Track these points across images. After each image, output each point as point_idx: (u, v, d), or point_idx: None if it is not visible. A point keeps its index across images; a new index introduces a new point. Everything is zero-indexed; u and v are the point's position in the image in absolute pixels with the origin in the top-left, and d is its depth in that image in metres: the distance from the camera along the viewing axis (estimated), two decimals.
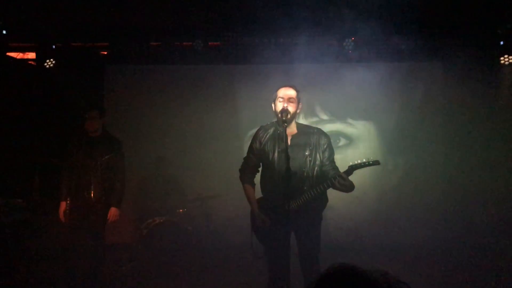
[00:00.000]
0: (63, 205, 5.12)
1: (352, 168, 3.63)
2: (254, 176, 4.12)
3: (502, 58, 6.85)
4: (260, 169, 4.12)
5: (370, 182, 7.10)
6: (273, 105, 3.97)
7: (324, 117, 7.56)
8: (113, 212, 5.15)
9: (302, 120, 7.12)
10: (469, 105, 7.05)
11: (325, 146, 3.90)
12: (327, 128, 7.33)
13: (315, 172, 3.83)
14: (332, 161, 3.90)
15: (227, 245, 6.56)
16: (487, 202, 6.97)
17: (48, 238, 5.82)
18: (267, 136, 3.96)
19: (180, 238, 6.35)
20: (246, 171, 4.11)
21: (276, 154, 3.87)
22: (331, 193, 3.86)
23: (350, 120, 7.57)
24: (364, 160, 3.66)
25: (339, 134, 7.53)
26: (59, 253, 5.33)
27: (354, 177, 3.65)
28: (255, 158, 4.06)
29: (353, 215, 7.07)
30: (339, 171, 3.76)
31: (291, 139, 3.84)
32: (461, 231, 6.77)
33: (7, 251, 5.30)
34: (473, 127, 7.06)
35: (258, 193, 4.06)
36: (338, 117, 7.57)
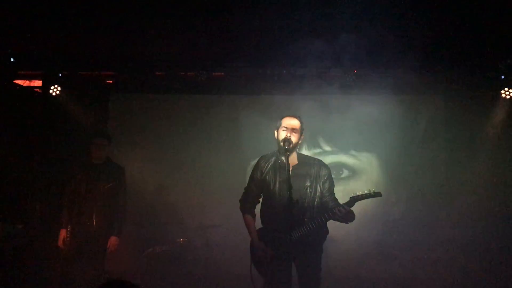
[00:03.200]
0: (63, 233, 5.08)
1: (353, 200, 3.63)
2: (255, 207, 4.10)
3: (503, 92, 6.88)
4: (260, 199, 4.11)
5: (373, 214, 7.03)
6: (275, 132, 3.99)
7: (327, 148, 7.57)
8: (113, 240, 5.12)
9: (305, 151, 7.18)
10: (471, 138, 7.08)
11: (325, 178, 3.90)
12: (329, 159, 7.34)
13: (315, 203, 3.83)
14: (332, 193, 3.90)
15: (228, 276, 6.47)
16: (492, 236, 6.88)
17: (48, 265, 5.77)
18: (269, 165, 3.97)
19: (181, 267, 6.30)
20: (247, 201, 4.08)
21: (277, 184, 3.87)
22: (333, 225, 3.84)
23: (353, 152, 7.57)
24: (365, 191, 3.66)
25: (342, 166, 7.51)
26: (59, 281, 5.27)
27: (356, 209, 3.64)
28: (256, 188, 4.05)
29: (355, 248, 6.98)
30: (339, 203, 3.76)
31: (292, 170, 3.83)
32: (465, 266, 6.69)
33: (7, 277, 5.26)
34: (475, 160, 7.04)
35: (258, 223, 4.04)
36: (341, 148, 7.57)
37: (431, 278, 6.61)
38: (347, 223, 3.68)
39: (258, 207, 4.11)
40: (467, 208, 6.99)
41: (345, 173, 7.50)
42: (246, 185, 4.15)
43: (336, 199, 3.86)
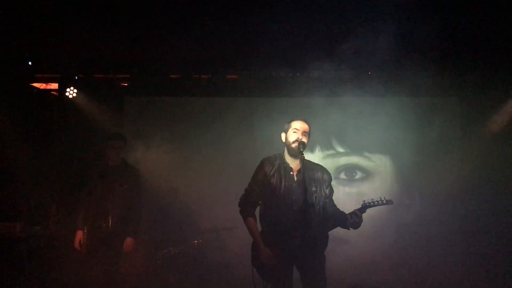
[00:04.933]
0: (79, 234, 5.11)
1: (365, 206, 3.62)
2: (255, 210, 4.00)
3: None
4: (260, 202, 4.02)
5: (386, 217, 7.01)
6: (283, 135, 3.97)
7: (340, 149, 7.53)
8: (129, 242, 5.12)
9: (318, 153, 7.19)
10: (486, 140, 7.01)
11: (328, 183, 3.92)
12: (343, 160, 7.32)
13: (320, 207, 3.83)
14: (331, 199, 3.92)
15: (241, 278, 6.48)
16: (507, 240, 6.81)
17: (64, 266, 5.83)
18: (273, 169, 3.91)
19: (195, 269, 6.33)
20: (248, 204, 3.98)
21: (282, 188, 3.82)
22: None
23: (366, 154, 7.54)
24: (377, 199, 3.65)
25: (355, 167, 7.47)
26: (74, 282, 5.33)
27: (369, 211, 3.65)
28: (258, 190, 3.95)
29: (367, 250, 6.96)
30: (338, 209, 3.80)
31: (298, 174, 3.84)
32: (479, 269, 6.63)
33: (24, 278, 5.33)
34: (490, 162, 6.98)
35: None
36: (354, 150, 7.54)
37: (445, 282, 6.56)
38: (348, 229, 3.68)
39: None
40: (484, 211, 6.92)
41: (359, 174, 7.46)
42: (247, 186, 4.06)
43: (335, 205, 3.88)
